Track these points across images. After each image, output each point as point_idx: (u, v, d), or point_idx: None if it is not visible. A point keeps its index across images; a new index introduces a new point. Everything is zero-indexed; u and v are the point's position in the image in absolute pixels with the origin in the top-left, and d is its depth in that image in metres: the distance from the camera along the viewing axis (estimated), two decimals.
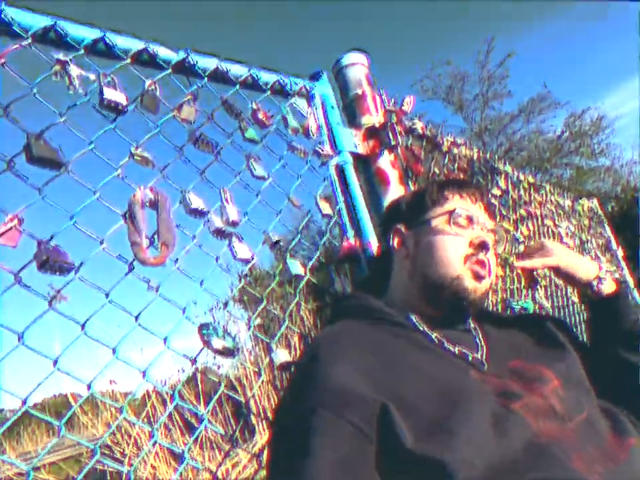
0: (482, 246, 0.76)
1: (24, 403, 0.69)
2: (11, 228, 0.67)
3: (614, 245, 3.69)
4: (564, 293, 2.29)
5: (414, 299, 0.78)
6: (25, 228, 0.70)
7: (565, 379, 0.68)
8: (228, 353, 0.84)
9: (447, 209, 0.79)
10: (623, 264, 3.69)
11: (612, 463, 0.58)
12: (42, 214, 0.78)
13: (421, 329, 0.74)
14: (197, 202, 0.89)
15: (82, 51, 0.88)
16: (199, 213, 0.90)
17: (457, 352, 0.71)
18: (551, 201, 2.62)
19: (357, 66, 1.39)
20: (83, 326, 0.75)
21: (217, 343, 0.82)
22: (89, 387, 0.77)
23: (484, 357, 0.73)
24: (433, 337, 0.73)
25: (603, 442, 0.61)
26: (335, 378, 0.61)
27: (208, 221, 0.91)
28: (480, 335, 0.78)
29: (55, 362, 0.71)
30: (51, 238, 0.72)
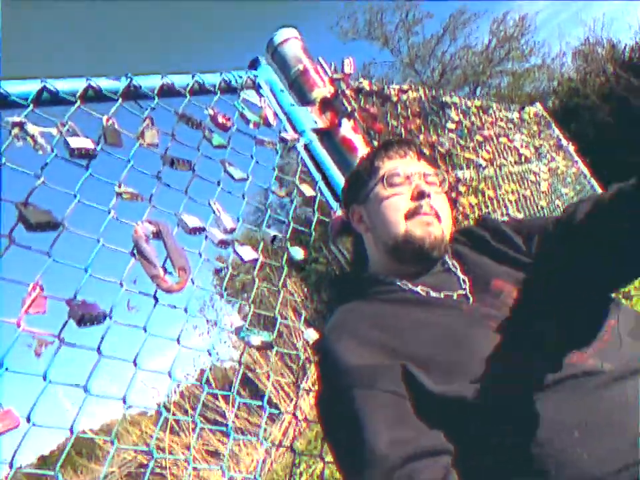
0: (420, 195, 0.81)
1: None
2: (37, 297, 0.70)
3: (564, 141, 3.88)
4: (532, 202, 2.44)
5: (389, 264, 0.85)
6: (47, 293, 0.72)
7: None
8: (267, 345, 0.91)
9: (380, 175, 0.86)
10: (577, 157, 3.90)
11: (599, 344, 0.68)
12: (55, 273, 0.79)
13: (407, 287, 0.81)
14: (193, 221, 0.92)
15: (30, 106, 0.87)
16: (197, 231, 0.93)
17: (442, 296, 0.79)
18: (500, 118, 2.73)
19: (291, 41, 1.39)
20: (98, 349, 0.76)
21: (256, 340, 0.89)
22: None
23: (467, 290, 0.80)
24: (419, 290, 0.80)
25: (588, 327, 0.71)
26: (355, 360, 0.69)
27: (207, 237, 0.94)
28: (459, 270, 0.85)
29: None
30: (75, 295, 0.74)
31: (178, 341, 0.88)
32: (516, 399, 0.64)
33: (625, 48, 10.51)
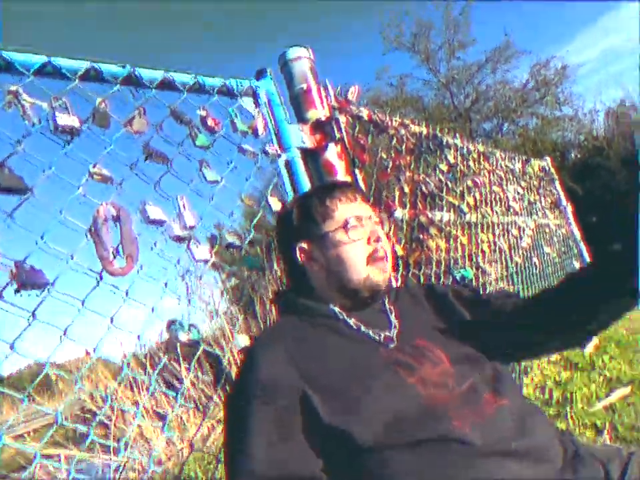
0: (377, 240, 0.90)
1: None
2: None
3: (563, 201, 3.93)
4: (507, 256, 2.50)
5: (335, 295, 0.92)
6: None
7: (455, 357, 0.85)
8: (194, 343, 0.98)
9: (338, 221, 0.90)
10: (572, 219, 3.96)
11: (480, 418, 0.74)
12: (14, 236, 0.86)
13: (341, 317, 0.89)
14: (155, 212, 0.99)
15: (30, 77, 0.94)
16: (157, 223, 1.00)
17: (371, 333, 0.86)
18: (500, 167, 2.78)
19: (302, 60, 1.46)
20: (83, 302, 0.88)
21: (183, 337, 0.96)
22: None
23: (394, 334, 0.88)
24: (352, 323, 0.88)
25: (480, 402, 0.78)
26: (266, 372, 0.77)
27: (165, 230, 1.01)
28: (394, 315, 0.93)
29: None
30: (25, 259, 0.82)
31: (153, 309, 0.99)
32: (388, 447, 0.71)
33: None
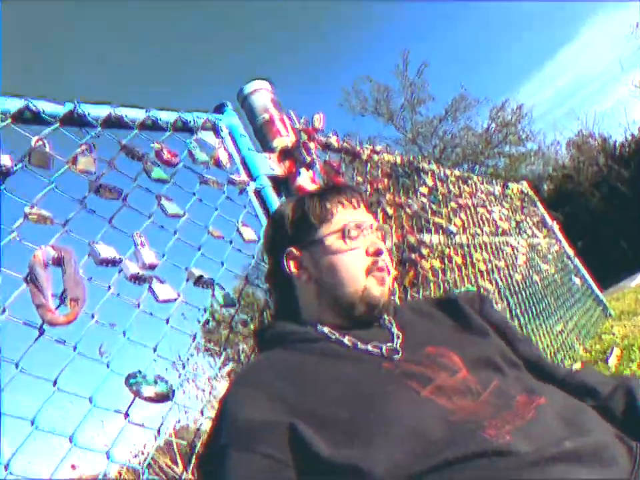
0: (377, 253, 0.79)
1: None
2: None
3: (549, 220, 3.90)
4: (506, 273, 2.38)
5: (326, 315, 0.79)
6: None
7: (473, 363, 0.71)
8: (163, 398, 0.81)
9: (336, 225, 0.79)
10: (561, 236, 3.90)
11: (520, 421, 0.60)
12: None
13: (333, 337, 0.74)
14: (106, 251, 0.86)
15: None
16: (110, 262, 0.86)
17: (370, 348, 0.73)
18: (480, 190, 2.75)
19: (261, 92, 1.42)
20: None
21: (148, 391, 0.79)
22: None
23: (398, 345, 0.74)
24: (346, 341, 0.74)
25: (513, 404, 0.63)
26: (242, 415, 0.62)
27: (121, 270, 0.88)
28: (395, 326, 0.80)
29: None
30: None
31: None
32: (411, 477, 0.54)
33: (615, 143, 11.01)
